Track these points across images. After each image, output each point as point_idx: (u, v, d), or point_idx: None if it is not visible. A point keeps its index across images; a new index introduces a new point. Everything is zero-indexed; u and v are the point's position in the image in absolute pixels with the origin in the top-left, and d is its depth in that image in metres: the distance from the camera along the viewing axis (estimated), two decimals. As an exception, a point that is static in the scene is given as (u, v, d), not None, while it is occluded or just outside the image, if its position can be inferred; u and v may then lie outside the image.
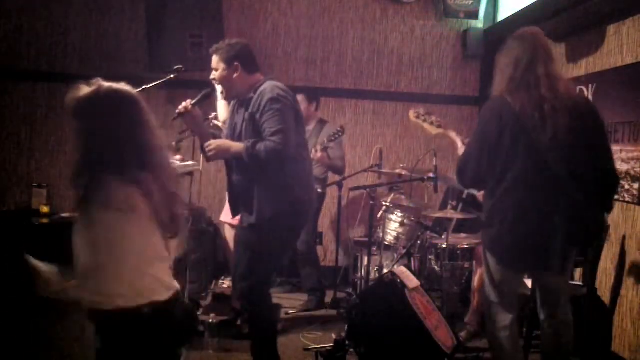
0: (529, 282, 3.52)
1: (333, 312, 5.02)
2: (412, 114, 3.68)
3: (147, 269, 1.98)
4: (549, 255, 2.86)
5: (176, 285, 2.11)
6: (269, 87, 3.33)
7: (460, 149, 3.30)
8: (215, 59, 3.41)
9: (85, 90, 2.03)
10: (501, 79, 2.94)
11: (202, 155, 3.63)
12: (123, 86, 2.11)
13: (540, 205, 2.84)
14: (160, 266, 2.04)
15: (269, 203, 3.32)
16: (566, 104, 2.83)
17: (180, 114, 3.38)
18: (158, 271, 2.03)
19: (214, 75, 3.43)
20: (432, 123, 3.61)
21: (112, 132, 1.97)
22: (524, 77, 2.86)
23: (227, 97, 3.51)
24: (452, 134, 3.52)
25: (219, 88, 3.59)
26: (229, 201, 3.63)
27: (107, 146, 1.94)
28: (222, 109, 3.96)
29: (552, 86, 2.84)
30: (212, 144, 3.33)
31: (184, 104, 3.38)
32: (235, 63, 3.36)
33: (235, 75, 3.37)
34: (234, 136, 3.44)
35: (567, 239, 2.85)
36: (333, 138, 4.96)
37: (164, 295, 2.02)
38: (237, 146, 3.30)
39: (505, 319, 3.02)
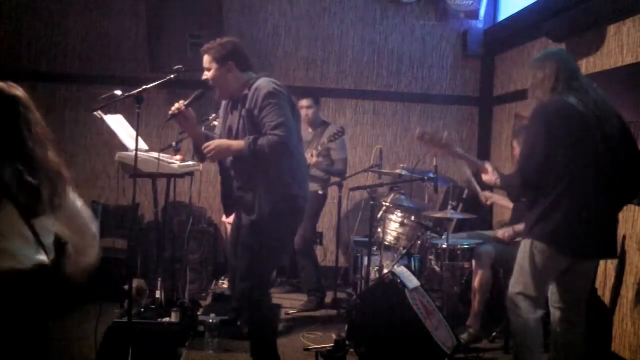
0: None
1: (333, 312, 5.02)
2: (417, 135, 3.32)
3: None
4: (607, 243, 3.14)
5: (42, 259, 2.16)
6: (263, 83, 3.31)
7: (490, 171, 3.27)
8: (207, 59, 3.37)
9: None
10: (542, 90, 3.12)
11: (194, 154, 3.61)
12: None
13: (599, 198, 3.05)
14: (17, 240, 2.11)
15: (268, 199, 3.31)
16: (609, 106, 3.10)
17: (173, 115, 3.34)
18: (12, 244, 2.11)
19: (207, 75, 3.39)
20: (438, 142, 3.30)
21: None
22: (568, 83, 3.07)
23: (221, 97, 3.47)
24: (459, 151, 3.42)
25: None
26: (222, 200, 3.60)
27: None
28: None
29: (596, 91, 3.10)
30: (211, 144, 3.30)
31: (176, 105, 3.34)
32: (229, 62, 3.34)
33: (229, 74, 3.36)
34: (231, 137, 3.41)
35: (613, 229, 3.16)
36: (332, 138, 4.96)
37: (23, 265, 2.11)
38: (237, 144, 3.28)
39: (536, 313, 3.16)
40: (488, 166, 3.31)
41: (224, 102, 3.56)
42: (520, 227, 3.94)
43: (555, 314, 3.25)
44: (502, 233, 4.38)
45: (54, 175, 2.16)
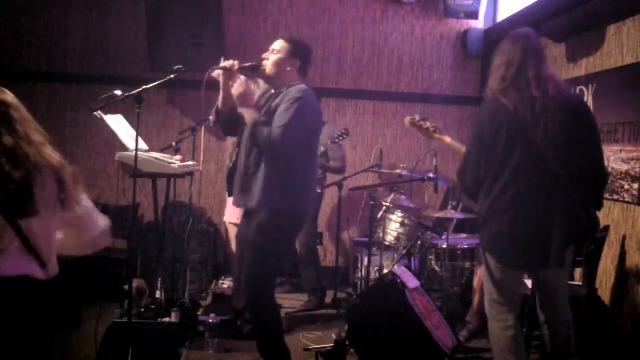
0: (528, 282, 3.52)
1: (333, 312, 5.02)
2: (407, 120, 3.73)
3: None
4: (547, 253, 2.88)
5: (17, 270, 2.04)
6: (301, 88, 3.34)
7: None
8: (281, 44, 3.39)
9: None
10: (493, 80, 3.01)
11: (214, 116, 3.57)
12: None
13: (537, 202, 2.88)
14: None
15: (277, 198, 3.31)
16: (557, 103, 2.89)
17: (224, 68, 3.31)
18: None
19: (268, 54, 3.40)
20: (427, 128, 3.66)
21: None
22: (515, 78, 2.93)
23: (268, 79, 3.46)
24: (448, 139, 3.58)
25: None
26: (227, 180, 3.58)
27: None
28: None
29: (542, 86, 2.90)
30: (241, 82, 3.29)
31: (230, 61, 3.33)
32: (298, 59, 3.40)
33: (289, 67, 3.39)
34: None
35: (563, 237, 2.89)
36: (337, 140, 4.95)
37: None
38: (252, 112, 3.30)
39: (508, 318, 3.03)
40: (458, 144, 3.43)
41: (266, 92, 3.55)
42: None
43: (541, 315, 3.18)
44: None
45: (51, 173, 2.07)
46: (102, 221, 2.35)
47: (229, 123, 3.50)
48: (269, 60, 3.39)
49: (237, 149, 3.62)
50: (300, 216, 3.44)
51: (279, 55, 3.38)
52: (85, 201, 2.26)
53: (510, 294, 3.05)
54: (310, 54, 3.51)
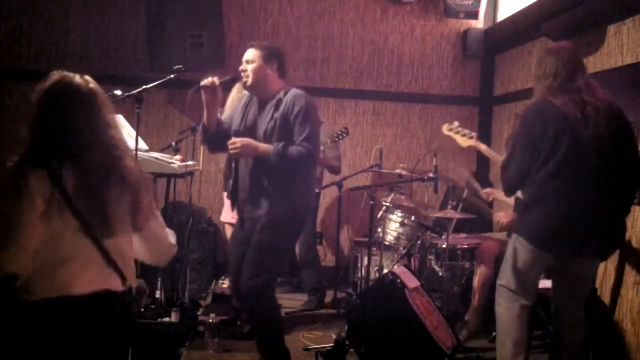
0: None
1: (333, 312, 5.01)
2: (445, 128, 3.88)
3: (58, 265, 1.95)
4: (587, 240, 3.04)
5: (106, 285, 2.04)
6: (299, 94, 3.45)
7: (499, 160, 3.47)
8: (254, 52, 3.46)
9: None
10: (540, 88, 3.15)
11: (202, 135, 3.60)
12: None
13: (580, 195, 3.01)
14: (76, 264, 1.98)
15: (282, 200, 3.39)
16: (607, 107, 3.08)
17: (205, 87, 3.38)
18: (72, 269, 1.97)
19: (245, 67, 3.46)
20: (464, 135, 3.80)
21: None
22: (562, 85, 3.07)
23: (253, 90, 3.52)
24: (483, 147, 3.77)
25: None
26: (231, 193, 3.61)
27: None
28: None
29: (591, 92, 3.08)
30: (238, 141, 3.35)
31: (209, 78, 3.40)
32: (275, 63, 3.47)
33: (270, 73, 3.46)
34: (254, 134, 3.45)
35: (603, 232, 3.05)
36: (337, 138, 4.95)
37: (79, 290, 1.98)
38: (265, 148, 3.36)
39: (515, 305, 3.16)
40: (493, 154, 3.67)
41: (245, 98, 3.62)
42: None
43: (554, 313, 3.27)
44: (501, 215, 4.36)
45: (133, 188, 2.05)
46: (171, 236, 2.37)
47: (216, 139, 3.53)
48: (249, 72, 3.44)
49: (233, 160, 3.63)
50: (303, 212, 3.51)
51: (255, 64, 3.44)
52: (159, 215, 2.27)
53: (529, 282, 3.17)
54: (283, 54, 3.59)
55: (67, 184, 1.93)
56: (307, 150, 3.33)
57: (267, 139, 3.40)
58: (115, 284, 2.06)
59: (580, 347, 3.22)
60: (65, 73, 2.11)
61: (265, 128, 3.42)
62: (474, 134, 3.81)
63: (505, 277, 3.21)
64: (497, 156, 3.71)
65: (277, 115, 3.40)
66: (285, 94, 3.44)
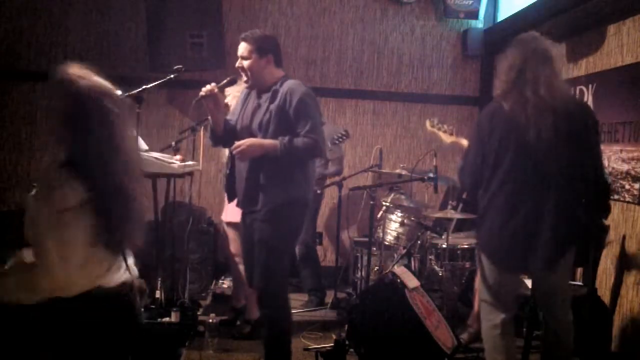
0: (528, 282, 3.52)
1: (333, 312, 5.02)
2: (428, 124, 3.90)
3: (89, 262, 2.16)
4: (538, 254, 2.90)
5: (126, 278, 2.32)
6: (296, 84, 3.39)
7: None
8: (246, 47, 3.38)
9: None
10: (498, 84, 3.10)
11: (210, 138, 3.59)
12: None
13: (527, 203, 2.91)
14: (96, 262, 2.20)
15: (282, 194, 3.35)
16: (552, 104, 2.87)
17: (204, 97, 3.34)
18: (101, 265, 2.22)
19: (241, 63, 3.41)
20: (445, 131, 3.79)
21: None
22: (515, 81, 2.97)
23: (253, 86, 3.48)
24: (464, 142, 3.64)
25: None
26: (229, 188, 3.58)
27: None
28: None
29: (537, 89, 2.91)
30: (243, 143, 3.30)
31: (208, 86, 3.34)
32: (269, 55, 3.40)
33: (266, 66, 3.40)
34: (251, 127, 3.41)
35: (555, 239, 2.89)
36: (337, 142, 4.94)
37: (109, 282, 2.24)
38: (270, 143, 3.29)
39: (495, 317, 3.07)
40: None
41: (244, 91, 3.58)
42: None
43: (542, 317, 3.21)
44: None
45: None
46: None
47: (224, 139, 3.51)
48: (245, 68, 3.39)
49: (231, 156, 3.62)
50: (301, 203, 3.44)
51: (250, 60, 3.38)
52: None
53: (502, 294, 3.06)
54: (278, 42, 3.51)
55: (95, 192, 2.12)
56: (313, 141, 3.28)
57: (262, 131, 3.34)
58: (127, 278, 2.35)
59: (569, 349, 3.11)
60: (97, 80, 2.35)
61: (260, 120, 3.37)
62: (452, 128, 3.78)
63: (480, 290, 3.16)
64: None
65: (272, 107, 3.34)
66: (281, 84, 3.38)
